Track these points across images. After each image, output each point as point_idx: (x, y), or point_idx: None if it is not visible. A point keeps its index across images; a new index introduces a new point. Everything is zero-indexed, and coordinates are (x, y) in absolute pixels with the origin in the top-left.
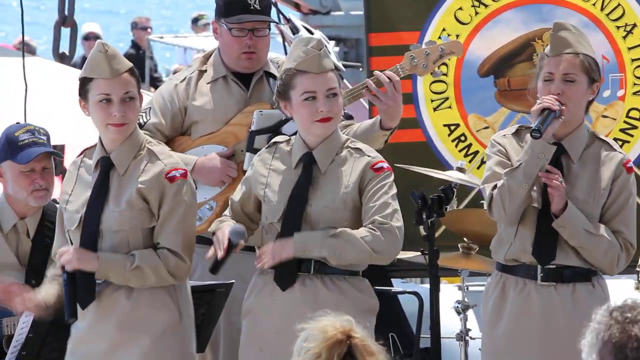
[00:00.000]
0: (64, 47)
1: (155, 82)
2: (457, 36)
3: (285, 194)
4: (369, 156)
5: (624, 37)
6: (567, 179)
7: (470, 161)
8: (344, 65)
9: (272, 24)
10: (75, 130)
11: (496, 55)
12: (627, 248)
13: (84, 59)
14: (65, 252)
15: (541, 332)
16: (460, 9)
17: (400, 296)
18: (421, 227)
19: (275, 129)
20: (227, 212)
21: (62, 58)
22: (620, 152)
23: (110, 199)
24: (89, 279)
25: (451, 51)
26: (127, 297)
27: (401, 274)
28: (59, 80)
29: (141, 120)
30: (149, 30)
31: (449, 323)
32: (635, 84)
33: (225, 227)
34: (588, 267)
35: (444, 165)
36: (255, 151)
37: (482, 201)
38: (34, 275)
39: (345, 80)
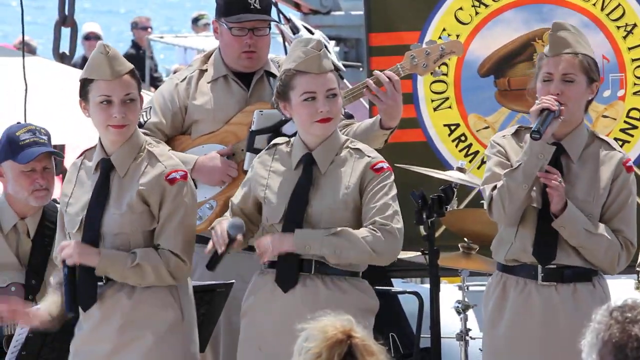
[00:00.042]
0: (64, 47)
1: (156, 82)
2: (458, 36)
3: (285, 195)
4: (368, 156)
5: (624, 37)
6: (567, 178)
7: (470, 161)
8: (344, 65)
9: (272, 24)
10: (76, 130)
11: (496, 55)
12: (628, 247)
13: (84, 59)
14: (67, 246)
15: (542, 332)
16: (461, 9)
17: (400, 296)
18: (421, 227)
19: (275, 129)
20: (227, 214)
21: (62, 58)
22: (620, 151)
23: (111, 201)
24: (91, 281)
25: (452, 51)
26: (129, 297)
27: (401, 274)
28: (59, 80)
29: (141, 120)
30: (149, 30)
31: (449, 323)
32: (635, 84)
33: (224, 222)
34: (589, 267)
35: (444, 165)
36: (255, 151)
37: (482, 201)
38: (34, 275)
39: (345, 80)
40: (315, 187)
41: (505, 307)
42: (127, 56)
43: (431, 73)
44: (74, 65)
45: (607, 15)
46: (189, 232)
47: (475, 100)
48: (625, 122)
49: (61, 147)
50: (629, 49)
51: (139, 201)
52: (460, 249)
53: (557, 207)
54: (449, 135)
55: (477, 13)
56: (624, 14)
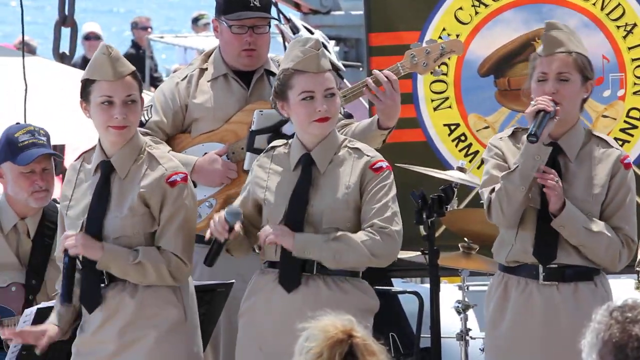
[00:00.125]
0: (64, 47)
1: (156, 82)
2: (457, 36)
3: (285, 196)
4: (367, 155)
5: (624, 37)
6: (565, 178)
7: (470, 161)
8: (344, 65)
9: (272, 23)
10: (76, 130)
11: (496, 55)
12: (629, 244)
13: (84, 59)
14: (71, 236)
15: (543, 332)
16: (461, 8)
17: (400, 296)
18: (421, 227)
19: (275, 129)
20: None
21: (62, 58)
22: (617, 149)
23: (112, 204)
24: (95, 282)
25: (452, 50)
26: (132, 296)
27: (401, 274)
28: (59, 80)
29: (142, 119)
30: (149, 30)
31: (449, 323)
32: (635, 84)
33: (221, 212)
34: (590, 266)
35: (444, 165)
36: (255, 151)
37: (482, 201)
38: (34, 275)
39: (345, 80)
40: (314, 187)
41: (507, 307)
42: (127, 56)
43: (431, 72)
44: (74, 65)
45: (607, 15)
46: (189, 234)
47: (475, 100)
48: (625, 121)
49: (61, 147)
50: (629, 48)
51: (140, 204)
52: (461, 248)
53: (555, 207)
54: (449, 135)
55: (477, 13)
56: (623, 13)
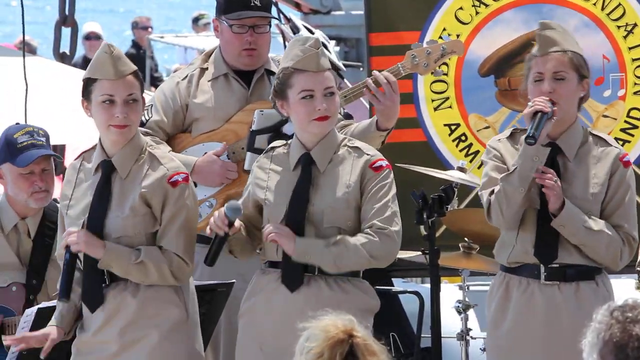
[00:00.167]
0: (65, 47)
1: (156, 82)
2: (458, 36)
3: (286, 196)
4: (367, 154)
5: (625, 37)
6: (564, 177)
7: (470, 161)
8: (345, 65)
9: (272, 22)
10: (76, 130)
11: (497, 55)
12: (630, 242)
13: (84, 58)
14: (74, 233)
15: (544, 331)
16: (461, 8)
17: (401, 296)
18: (422, 227)
19: (276, 129)
20: None
21: (62, 58)
22: (616, 147)
23: (113, 203)
24: (97, 282)
25: (452, 50)
26: (134, 296)
27: (402, 274)
28: (60, 80)
29: (143, 118)
30: (149, 29)
31: (450, 323)
32: (635, 84)
33: (221, 209)
34: (592, 265)
35: (445, 165)
36: (256, 151)
37: (483, 202)
38: (34, 275)
39: (345, 80)
40: (315, 186)
41: (508, 307)
42: (128, 56)
43: (432, 73)
44: (75, 65)
45: (608, 15)
46: (190, 234)
47: (475, 100)
48: (625, 121)
49: (61, 147)
50: (630, 48)
51: (141, 204)
52: (461, 248)
53: (554, 207)
54: (450, 135)
55: (477, 13)
56: (624, 13)
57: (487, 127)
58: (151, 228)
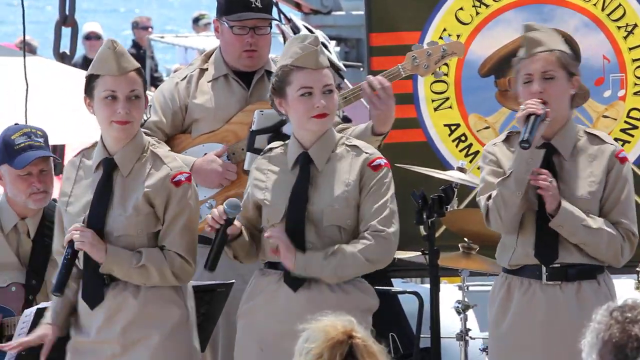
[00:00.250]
0: (65, 47)
1: (156, 82)
2: (458, 36)
3: (285, 195)
4: (366, 153)
5: (625, 38)
6: (561, 176)
7: (470, 161)
8: (345, 65)
9: (273, 23)
10: (76, 130)
11: (497, 55)
12: (630, 237)
13: (84, 58)
14: (81, 230)
15: (546, 331)
16: (461, 9)
17: (400, 296)
18: (421, 227)
19: (275, 129)
20: None
21: (62, 58)
22: (612, 144)
23: (115, 202)
24: (97, 279)
25: (453, 52)
26: (135, 296)
27: (401, 274)
28: (60, 80)
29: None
30: (149, 29)
31: (449, 323)
32: (635, 84)
33: (220, 207)
34: (594, 263)
35: (445, 165)
36: (255, 151)
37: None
38: (34, 275)
39: (346, 80)
40: (313, 185)
41: (510, 308)
42: None
43: (432, 74)
44: (75, 65)
45: (608, 15)
46: (193, 234)
47: (475, 100)
48: (625, 122)
49: (61, 147)
50: (630, 49)
51: (144, 203)
52: (461, 249)
53: (551, 207)
54: (450, 135)
55: (477, 13)
56: (624, 14)
57: (487, 128)
58: (153, 228)
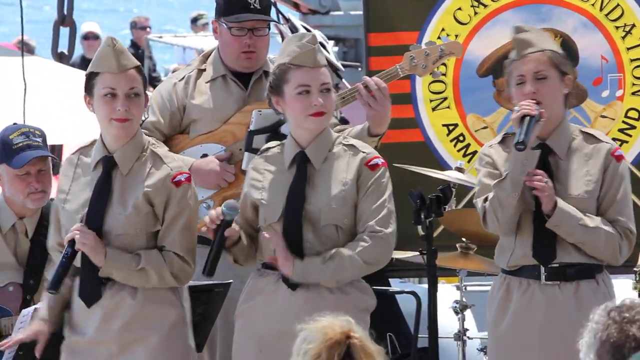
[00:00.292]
0: (63, 47)
1: (154, 82)
2: (456, 36)
3: (282, 195)
4: (363, 152)
5: (623, 37)
6: (557, 176)
7: (468, 161)
8: (343, 65)
9: (271, 24)
10: (74, 130)
11: (495, 55)
12: (627, 235)
13: (82, 58)
14: (83, 232)
15: (545, 331)
16: (460, 9)
17: (398, 296)
18: (419, 227)
19: (273, 129)
20: None
21: (60, 57)
22: (607, 142)
23: (114, 200)
24: (95, 278)
25: (451, 52)
26: (132, 296)
27: (399, 274)
28: (58, 79)
29: None
30: (148, 29)
31: (447, 323)
32: (634, 84)
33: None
34: (592, 263)
35: (443, 165)
36: (253, 151)
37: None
38: (32, 275)
39: (344, 80)
40: (310, 184)
41: (509, 308)
42: None
43: (430, 74)
44: (73, 65)
45: (606, 15)
46: (193, 234)
47: (473, 100)
48: (623, 122)
49: (59, 147)
50: (628, 49)
51: (144, 202)
52: (458, 249)
53: (548, 207)
54: (448, 135)
55: (475, 13)
56: (622, 14)
57: (485, 128)
58: (152, 227)
